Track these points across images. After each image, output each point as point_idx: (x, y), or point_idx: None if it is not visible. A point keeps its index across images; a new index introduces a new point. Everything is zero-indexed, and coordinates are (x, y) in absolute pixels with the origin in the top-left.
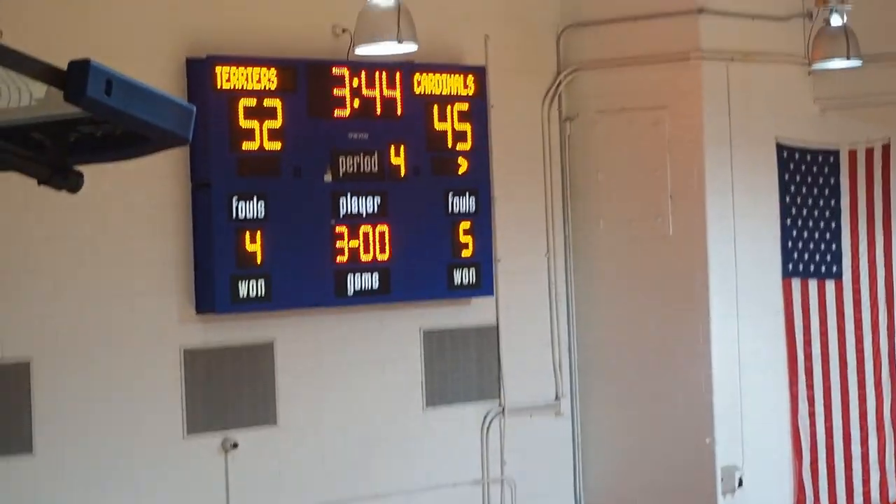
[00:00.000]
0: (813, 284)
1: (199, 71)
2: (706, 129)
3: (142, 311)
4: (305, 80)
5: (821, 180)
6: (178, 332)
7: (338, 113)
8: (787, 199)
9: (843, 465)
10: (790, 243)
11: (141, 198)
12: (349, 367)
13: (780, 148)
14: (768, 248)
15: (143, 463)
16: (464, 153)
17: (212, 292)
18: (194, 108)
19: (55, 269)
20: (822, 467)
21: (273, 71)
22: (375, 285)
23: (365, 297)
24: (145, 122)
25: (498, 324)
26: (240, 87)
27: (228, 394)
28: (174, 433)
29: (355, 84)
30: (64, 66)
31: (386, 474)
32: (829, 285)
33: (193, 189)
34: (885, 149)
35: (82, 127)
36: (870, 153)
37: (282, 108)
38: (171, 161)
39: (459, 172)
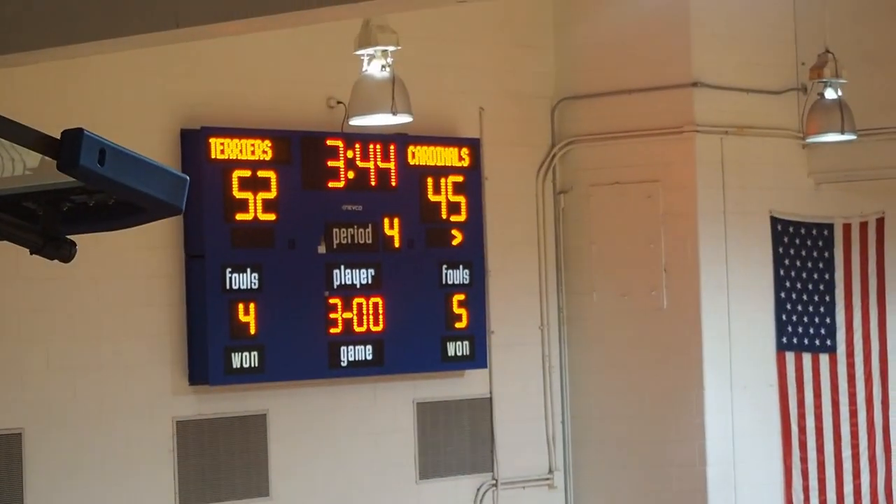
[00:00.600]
0: (807, 358)
1: (193, 142)
2: (700, 202)
3: (134, 382)
4: (300, 152)
5: (815, 254)
6: (171, 404)
7: (332, 184)
8: (782, 272)
9: None
10: (784, 316)
11: (134, 268)
12: (342, 438)
13: (774, 221)
14: (762, 321)
15: None
16: (458, 225)
17: (205, 364)
18: (188, 178)
19: (47, 340)
20: None
21: (267, 142)
22: (369, 357)
23: (358, 369)
24: (138, 191)
25: (491, 396)
26: (234, 158)
27: (221, 465)
28: None
29: (350, 156)
30: (58, 136)
31: None
32: (823, 359)
33: (187, 260)
34: (880, 222)
35: (75, 196)
36: (864, 227)
37: (276, 180)
38: (164, 231)
39: (453, 244)
